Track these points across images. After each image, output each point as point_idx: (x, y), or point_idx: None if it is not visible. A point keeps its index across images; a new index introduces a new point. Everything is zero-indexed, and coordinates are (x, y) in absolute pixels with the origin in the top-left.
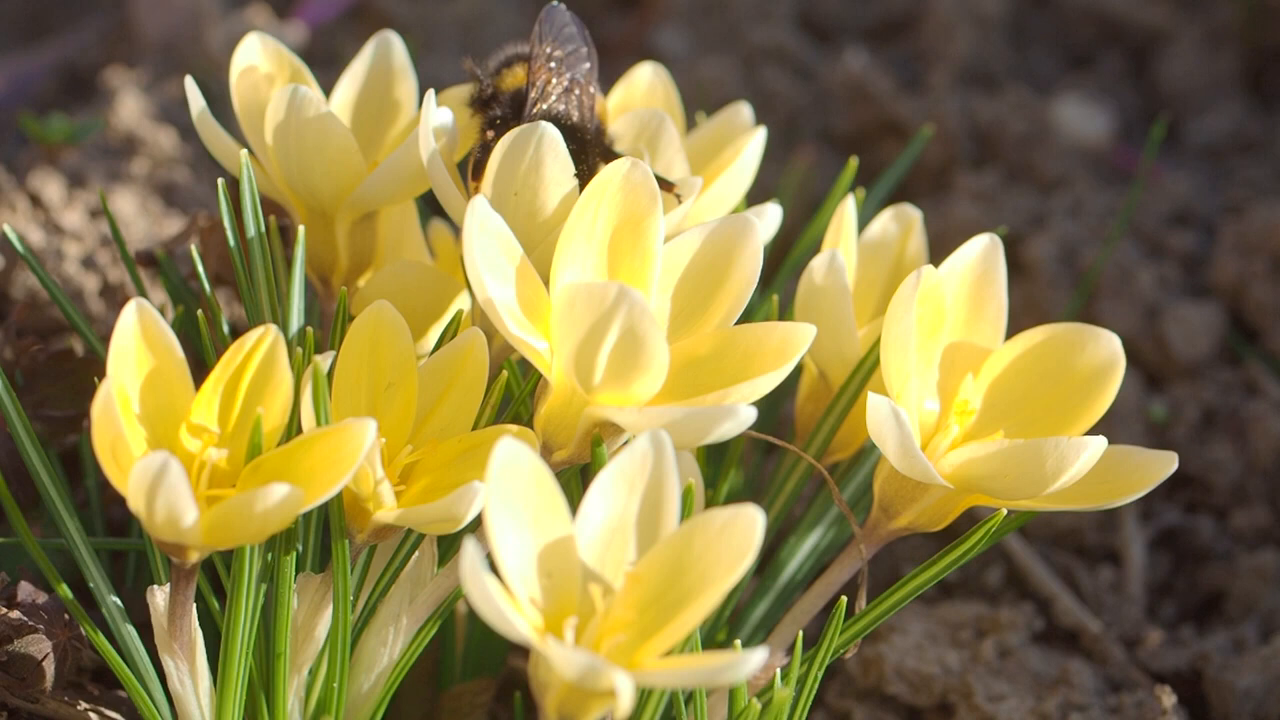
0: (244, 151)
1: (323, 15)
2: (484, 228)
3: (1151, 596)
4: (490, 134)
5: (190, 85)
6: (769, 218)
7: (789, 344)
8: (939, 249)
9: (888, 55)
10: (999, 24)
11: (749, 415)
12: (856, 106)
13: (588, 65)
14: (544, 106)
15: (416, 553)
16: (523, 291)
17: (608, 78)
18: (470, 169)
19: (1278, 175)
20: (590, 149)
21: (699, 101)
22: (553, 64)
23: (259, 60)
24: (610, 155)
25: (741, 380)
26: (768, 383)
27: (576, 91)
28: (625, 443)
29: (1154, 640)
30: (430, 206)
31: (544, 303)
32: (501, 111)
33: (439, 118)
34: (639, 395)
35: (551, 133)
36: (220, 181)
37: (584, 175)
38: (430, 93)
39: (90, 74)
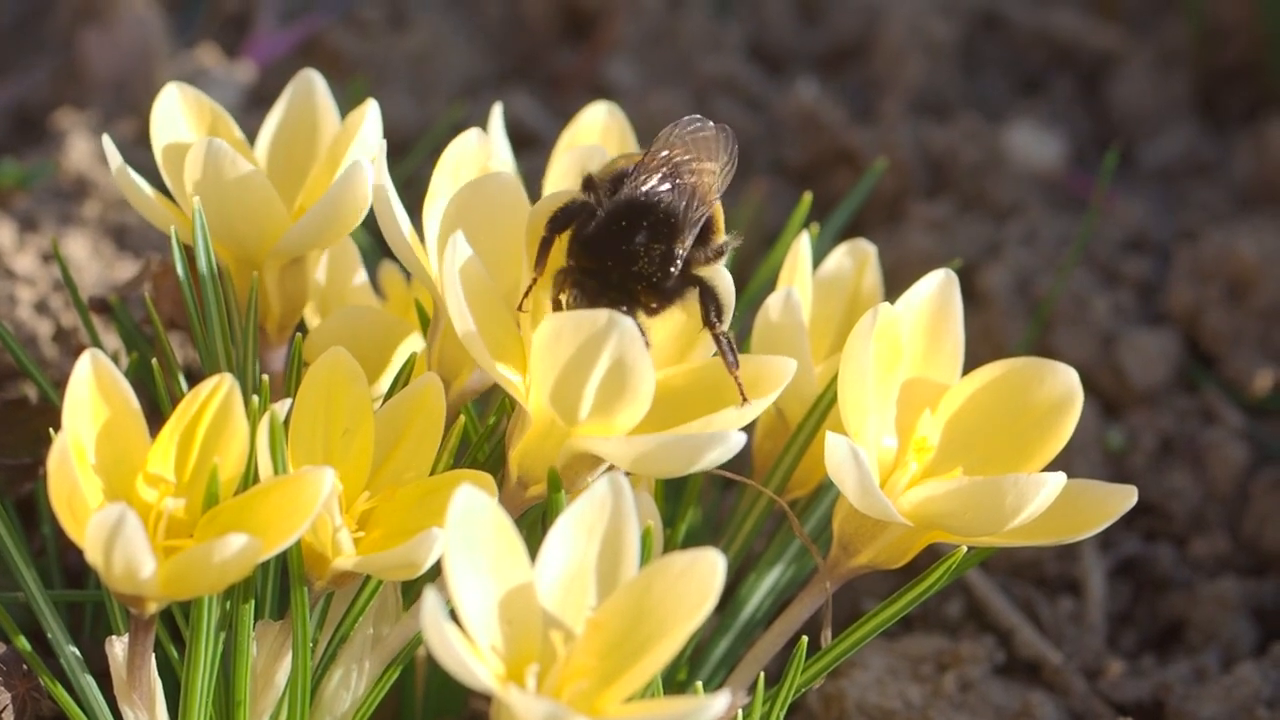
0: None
1: (273, 53)
2: (461, 264)
3: (1112, 626)
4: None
5: (108, 143)
6: None
7: (763, 377)
8: (894, 279)
9: (839, 84)
10: (949, 50)
11: (738, 440)
12: (809, 137)
13: (712, 166)
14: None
15: (376, 599)
16: (497, 327)
17: (558, 110)
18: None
19: (1231, 198)
20: (678, 232)
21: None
22: (664, 153)
23: (179, 111)
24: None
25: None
26: (752, 410)
27: (683, 179)
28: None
29: (1115, 671)
30: (381, 248)
31: (514, 339)
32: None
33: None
34: (622, 425)
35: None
36: (172, 228)
37: (665, 257)
38: (382, 143)
39: (40, 114)
